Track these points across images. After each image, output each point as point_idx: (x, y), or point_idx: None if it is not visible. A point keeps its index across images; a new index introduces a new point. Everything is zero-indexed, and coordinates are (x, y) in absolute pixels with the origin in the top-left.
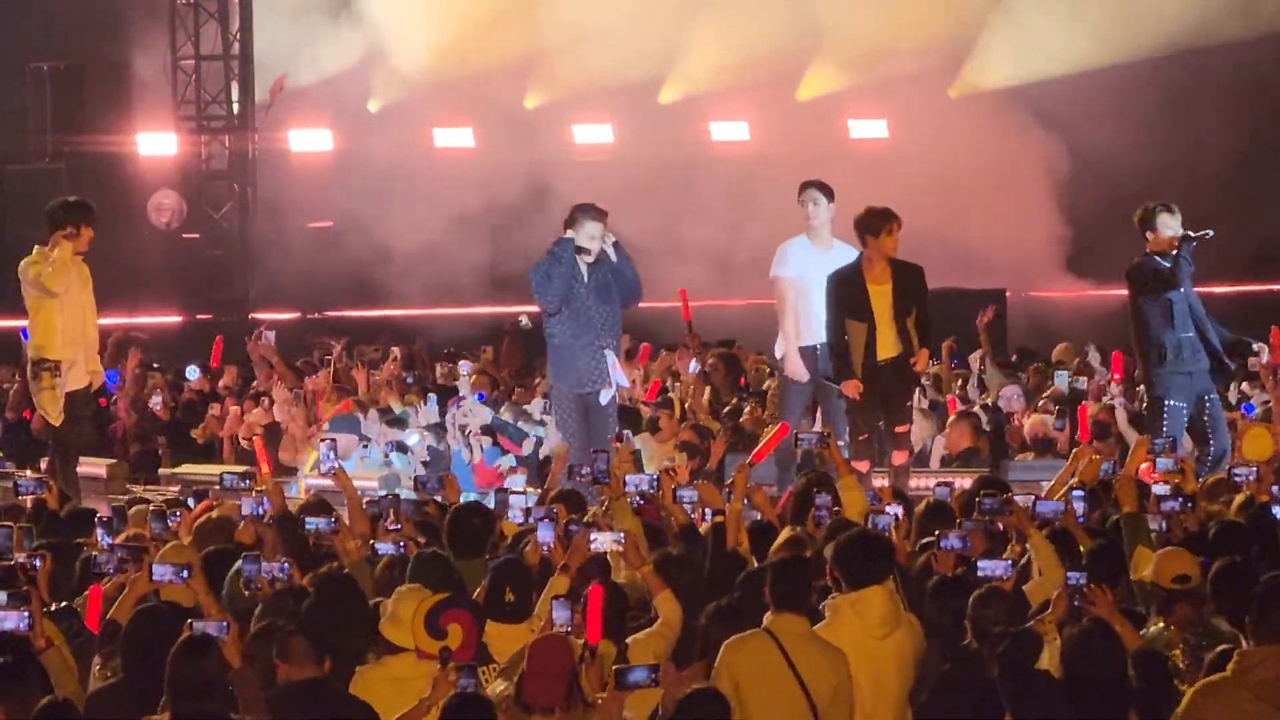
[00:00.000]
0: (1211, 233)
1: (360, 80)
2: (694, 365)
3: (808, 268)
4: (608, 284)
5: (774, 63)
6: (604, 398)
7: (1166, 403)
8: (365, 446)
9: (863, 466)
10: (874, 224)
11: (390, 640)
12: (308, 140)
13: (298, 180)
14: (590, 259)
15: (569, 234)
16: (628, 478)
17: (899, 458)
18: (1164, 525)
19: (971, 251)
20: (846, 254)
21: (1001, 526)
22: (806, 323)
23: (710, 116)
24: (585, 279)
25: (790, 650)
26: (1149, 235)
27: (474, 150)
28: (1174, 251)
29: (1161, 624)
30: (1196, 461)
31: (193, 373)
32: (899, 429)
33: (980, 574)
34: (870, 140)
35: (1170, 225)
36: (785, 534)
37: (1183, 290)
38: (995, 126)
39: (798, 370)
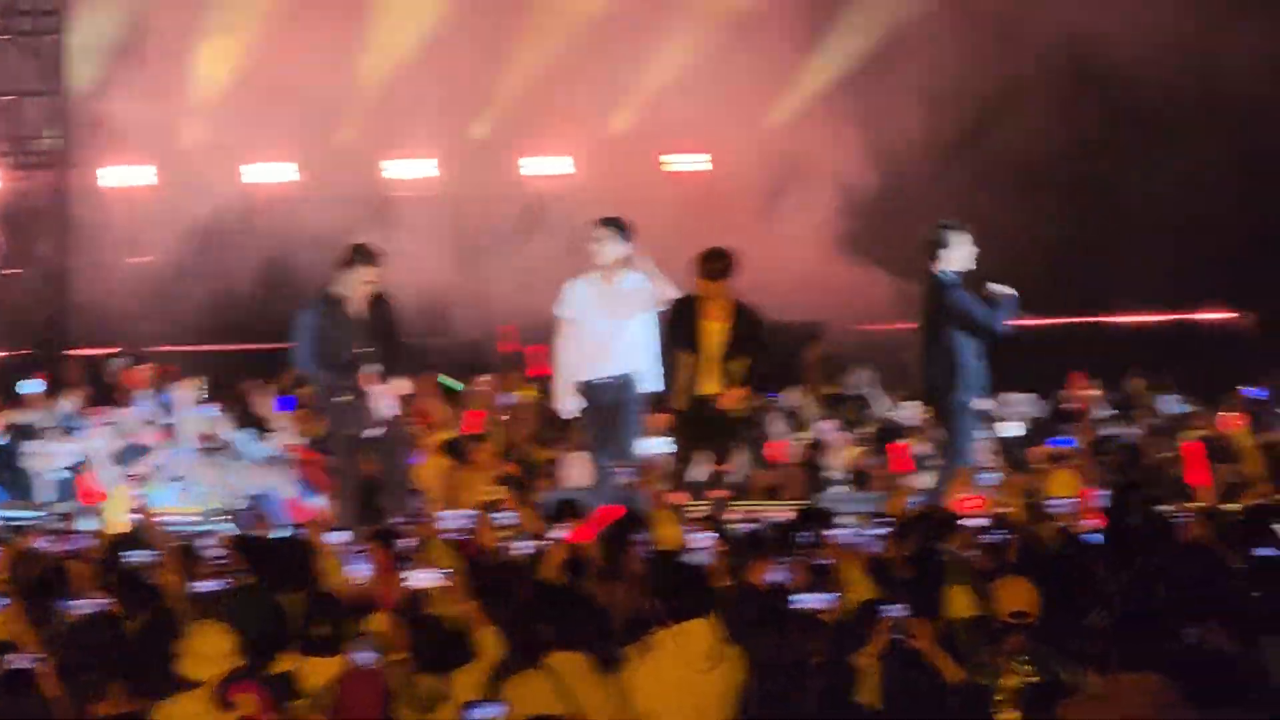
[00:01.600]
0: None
1: (179, 116)
2: (511, 398)
3: (587, 306)
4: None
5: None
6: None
7: (972, 430)
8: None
9: (681, 498)
10: (708, 268)
11: (188, 676)
12: (126, 176)
13: (118, 216)
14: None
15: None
16: (444, 514)
17: (717, 494)
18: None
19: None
20: (636, 284)
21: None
22: (579, 360)
23: (526, 151)
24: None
25: (570, 688)
26: (940, 254)
27: (295, 184)
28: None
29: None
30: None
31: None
32: (719, 466)
33: (802, 606)
34: (690, 173)
35: (963, 243)
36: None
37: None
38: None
39: (566, 406)
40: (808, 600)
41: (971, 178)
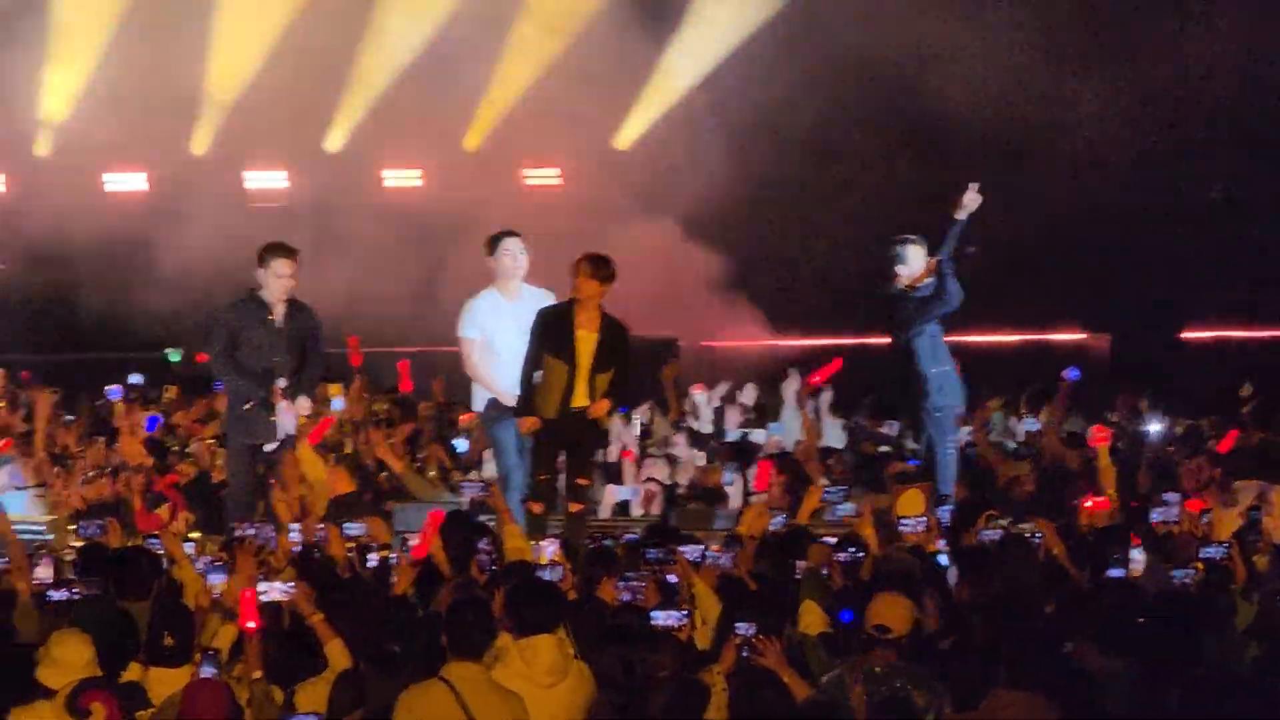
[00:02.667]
0: (972, 249)
1: (32, 123)
2: (339, 402)
3: (496, 325)
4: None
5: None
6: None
7: (942, 440)
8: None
9: (537, 508)
10: (602, 273)
11: (44, 684)
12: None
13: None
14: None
15: (260, 272)
16: (294, 526)
17: (575, 507)
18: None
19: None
20: (538, 299)
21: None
22: (501, 381)
23: (383, 164)
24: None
25: (467, 698)
26: (899, 270)
27: (146, 194)
28: (931, 279)
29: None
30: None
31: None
32: (580, 480)
33: (655, 623)
34: (543, 187)
35: (919, 256)
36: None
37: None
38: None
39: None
40: (660, 617)
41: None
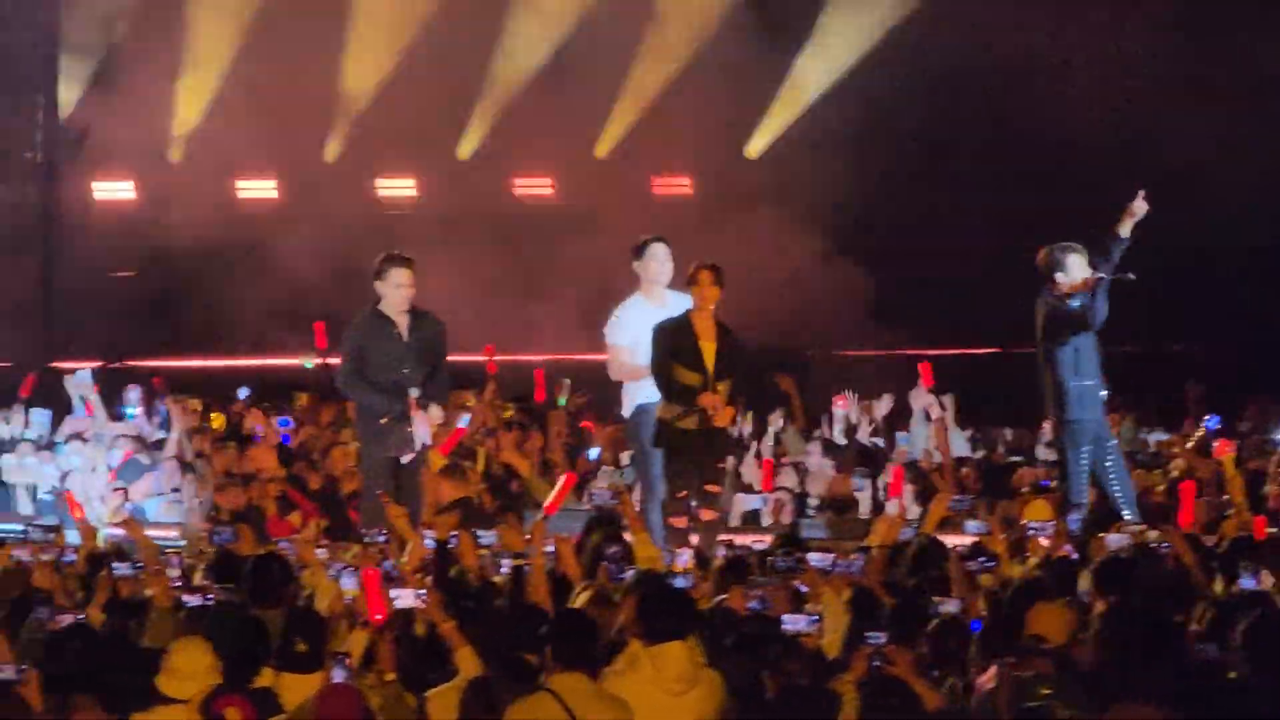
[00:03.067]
0: (1133, 276)
1: (163, 131)
2: (463, 420)
3: (644, 332)
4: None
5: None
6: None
7: (1070, 452)
8: (176, 491)
9: (679, 523)
10: (720, 279)
11: (164, 693)
12: (111, 190)
13: (101, 229)
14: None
15: (378, 285)
16: (427, 532)
17: (707, 515)
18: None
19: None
20: (683, 304)
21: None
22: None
23: (513, 171)
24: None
25: (575, 709)
26: (1058, 278)
27: (276, 201)
28: (1089, 293)
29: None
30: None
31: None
32: (710, 487)
33: (785, 629)
34: (673, 197)
35: (1081, 265)
36: (586, 592)
37: (1092, 335)
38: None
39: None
40: (792, 623)
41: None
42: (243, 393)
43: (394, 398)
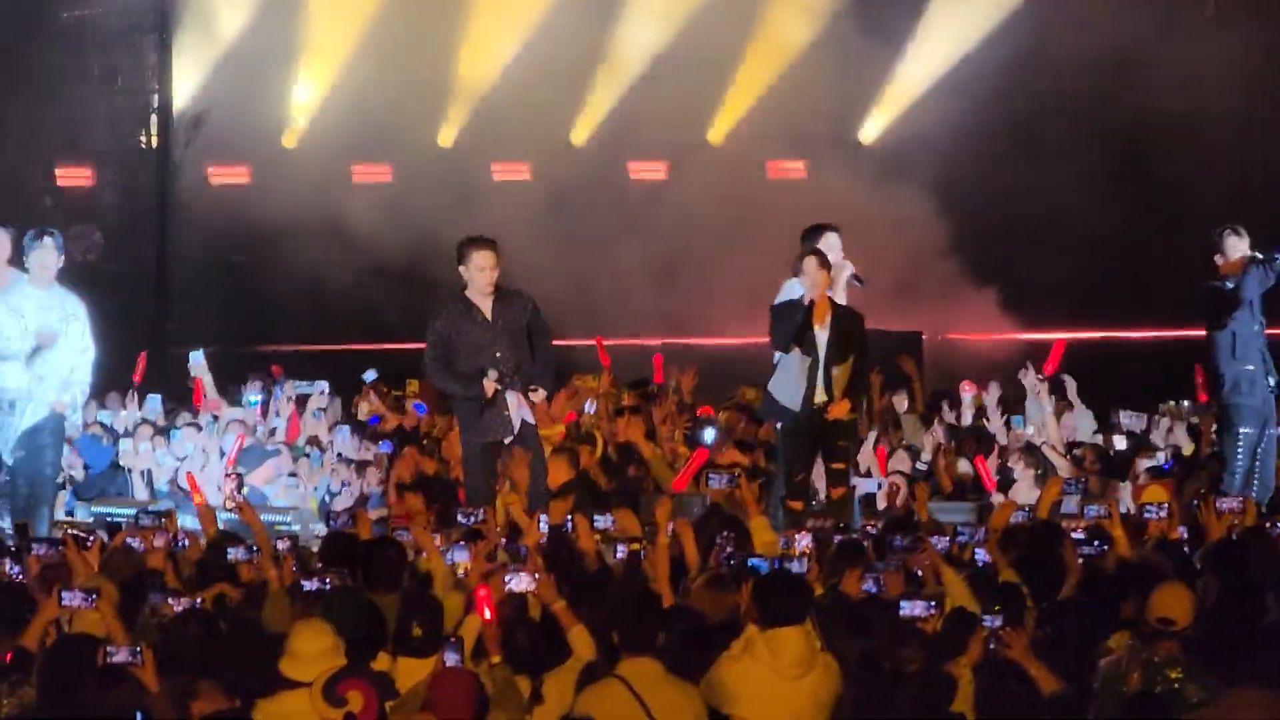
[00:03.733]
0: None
1: (279, 117)
2: (590, 406)
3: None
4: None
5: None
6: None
7: (1225, 434)
8: (293, 476)
9: (798, 506)
10: (821, 261)
11: (287, 676)
12: (226, 175)
13: (217, 216)
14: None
15: (461, 269)
16: (543, 517)
17: (837, 492)
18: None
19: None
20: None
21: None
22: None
23: (628, 157)
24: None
25: (644, 694)
26: (1217, 259)
27: (391, 186)
28: (1242, 273)
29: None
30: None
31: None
32: (836, 465)
33: (903, 614)
34: (786, 180)
35: (1238, 248)
36: (702, 577)
37: (1248, 316)
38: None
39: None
40: (908, 608)
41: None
42: (369, 376)
43: (479, 381)
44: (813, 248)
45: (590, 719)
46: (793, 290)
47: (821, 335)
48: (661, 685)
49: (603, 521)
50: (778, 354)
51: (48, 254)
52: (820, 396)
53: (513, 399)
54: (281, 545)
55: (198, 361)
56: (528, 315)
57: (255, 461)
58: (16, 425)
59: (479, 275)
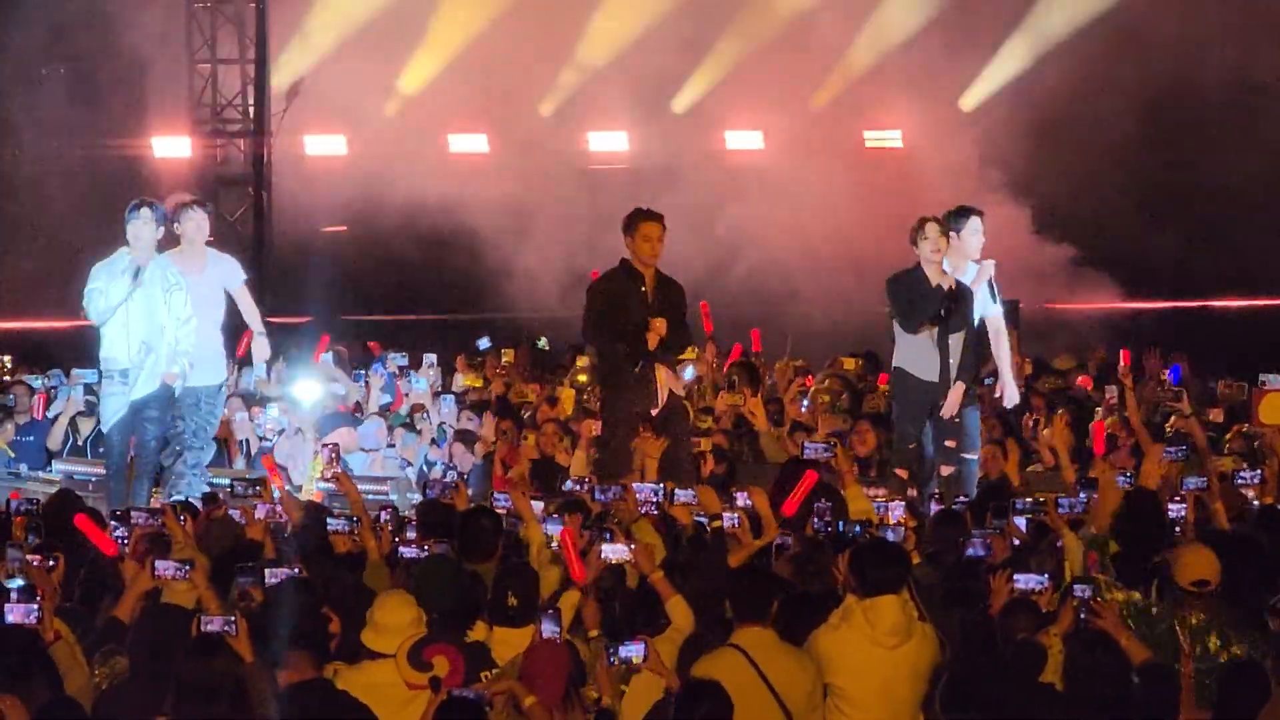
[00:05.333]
0: None
1: (376, 86)
2: (690, 371)
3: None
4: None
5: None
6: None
7: None
8: (391, 447)
9: (902, 474)
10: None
11: (369, 647)
12: (323, 145)
13: (313, 184)
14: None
15: (626, 240)
16: (637, 486)
17: (946, 470)
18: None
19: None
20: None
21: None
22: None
23: (726, 125)
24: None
25: (760, 663)
26: None
27: (488, 156)
28: None
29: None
30: None
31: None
32: (948, 442)
33: (1016, 587)
34: (887, 149)
35: None
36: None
37: None
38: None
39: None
40: (1022, 581)
41: None
42: (483, 343)
43: (639, 351)
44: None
45: (711, 679)
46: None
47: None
48: (778, 654)
49: (684, 496)
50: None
51: (146, 226)
52: (952, 362)
53: (664, 373)
54: (383, 516)
55: (275, 418)
56: (680, 299)
57: (330, 426)
58: (127, 396)
59: (644, 245)
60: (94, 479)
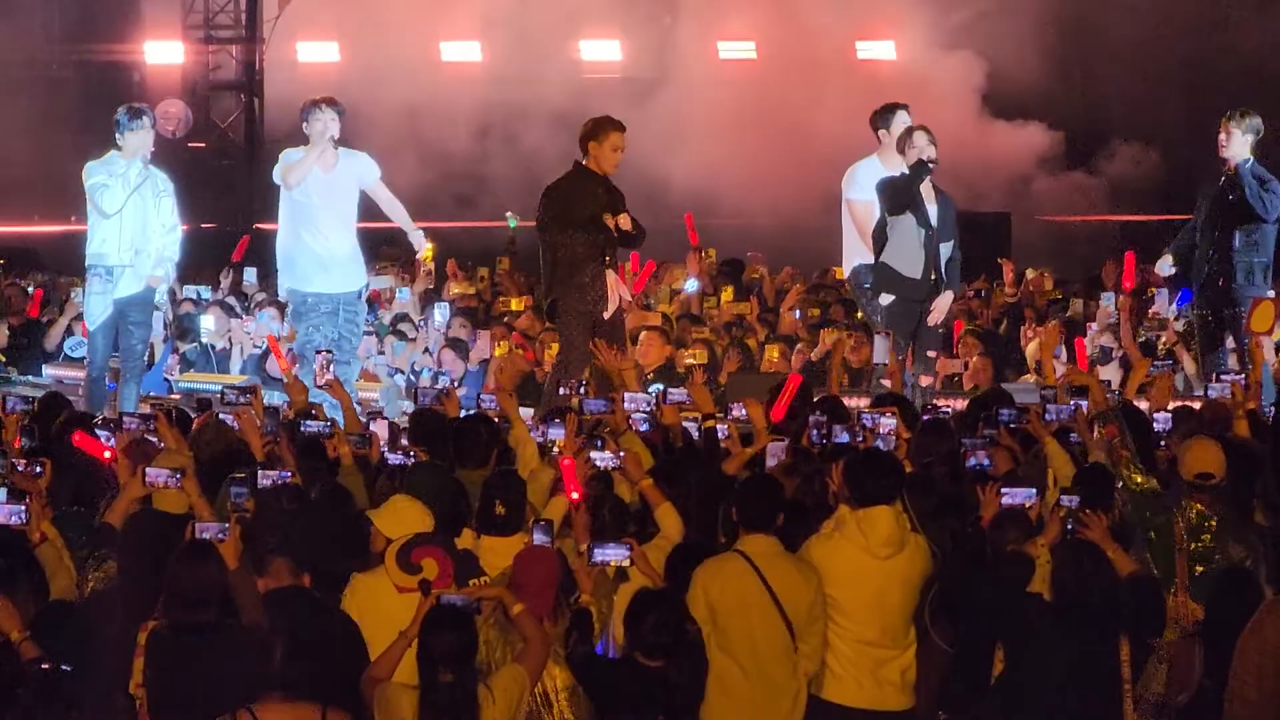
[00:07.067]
0: None
1: None
2: (693, 283)
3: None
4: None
5: None
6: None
7: None
8: (381, 354)
9: (886, 382)
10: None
11: (384, 534)
12: (315, 52)
13: (304, 92)
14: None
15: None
16: (628, 396)
17: (925, 380)
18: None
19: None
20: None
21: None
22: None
23: (718, 36)
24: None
25: (764, 570)
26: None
27: (481, 64)
28: None
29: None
30: None
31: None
32: (930, 352)
33: (1004, 501)
34: (878, 61)
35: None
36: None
37: None
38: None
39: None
40: (1011, 496)
41: None
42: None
43: (598, 242)
44: (921, 124)
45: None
46: (874, 168)
47: (932, 210)
48: (783, 563)
49: (677, 395)
50: (886, 223)
51: (147, 133)
52: (933, 274)
53: (612, 277)
54: (374, 424)
55: (266, 324)
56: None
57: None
58: (111, 294)
59: (612, 155)
60: (83, 384)
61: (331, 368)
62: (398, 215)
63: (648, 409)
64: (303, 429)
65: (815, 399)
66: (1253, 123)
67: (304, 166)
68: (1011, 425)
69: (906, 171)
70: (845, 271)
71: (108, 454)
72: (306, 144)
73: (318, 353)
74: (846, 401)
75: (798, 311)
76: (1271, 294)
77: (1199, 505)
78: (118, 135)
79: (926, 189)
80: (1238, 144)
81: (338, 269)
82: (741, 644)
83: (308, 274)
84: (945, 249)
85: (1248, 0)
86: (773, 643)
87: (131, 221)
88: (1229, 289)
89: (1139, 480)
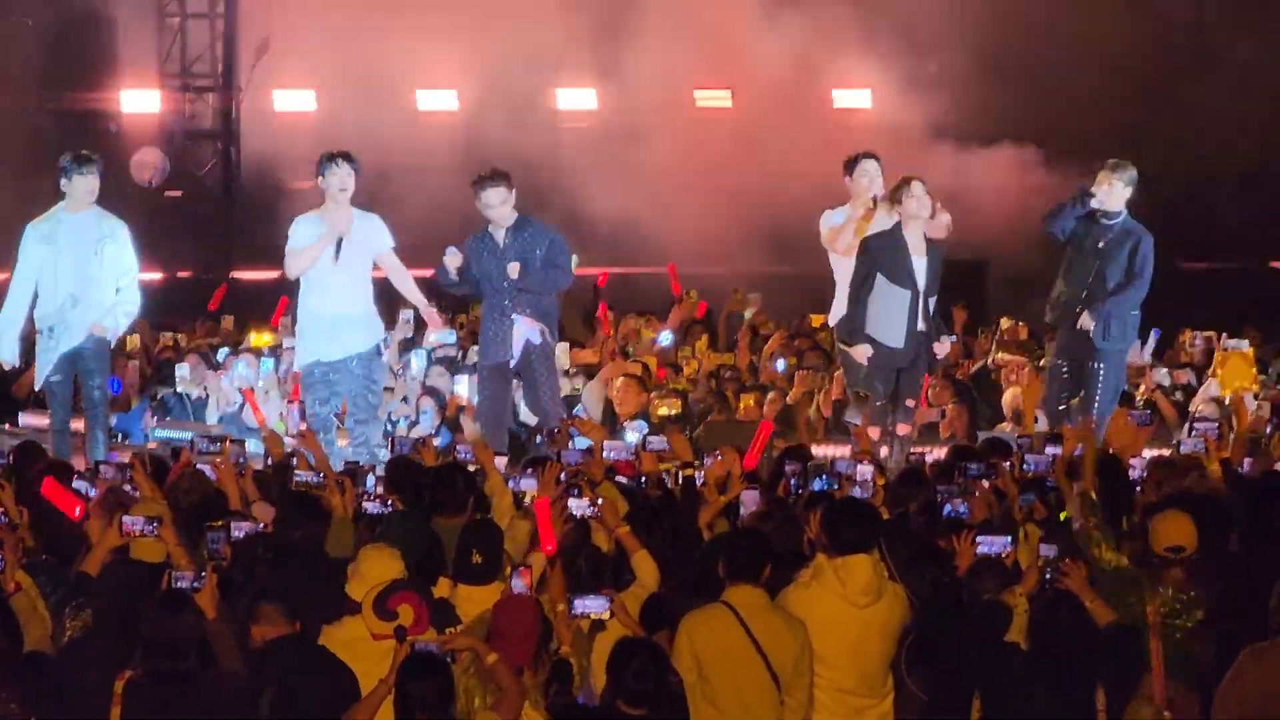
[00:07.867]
0: None
1: (345, 42)
2: (667, 335)
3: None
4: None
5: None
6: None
7: None
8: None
9: (874, 433)
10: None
11: (353, 599)
12: (291, 101)
13: (281, 141)
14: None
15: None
16: (607, 444)
17: (903, 429)
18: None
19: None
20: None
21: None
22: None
23: (694, 84)
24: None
25: (750, 622)
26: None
27: (457, 114)
28: None
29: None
30: None
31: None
32: (909, 401)
33: (980, 551)
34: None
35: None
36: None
37: None
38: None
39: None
40: (985, 544)
41: None
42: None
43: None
44: (916, 175)
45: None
46: (845, 216)
47: (920, 264)
48: (768, 614)
49: (656, 443)
50: (866, 286)
51: (94, 180)
52: (920, 326)
53: (523, 325)
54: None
55: (242, 374)
56: (544, 240)
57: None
58: (55, 350)
59: (499, 209)
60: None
61: (305, 420)
62: (409, 291)
63: (629, 454)
64: (296, 479)
65: (785, 447)
66: (1130, 174)
67: (309, 257)
68: (982, 476)
69: (898, 222)
70: (832, 319)
71: (78, 510)
72: (320, 203)
73: (290, 403)
74: (824, 450)
75: (781, 361)
76: (1246, 346)
77: (1173, 586)
78: (63, 181)
79: (916, 241)
80: (1117, 194)
81: (349, 328)
82: (728, 696)
83: (315, 343)
84: (932, 302)
85: (1217, 54)
86: (759, 695)
87: (67, 273)
88: (1090, 340)
89: (1109, 558)
